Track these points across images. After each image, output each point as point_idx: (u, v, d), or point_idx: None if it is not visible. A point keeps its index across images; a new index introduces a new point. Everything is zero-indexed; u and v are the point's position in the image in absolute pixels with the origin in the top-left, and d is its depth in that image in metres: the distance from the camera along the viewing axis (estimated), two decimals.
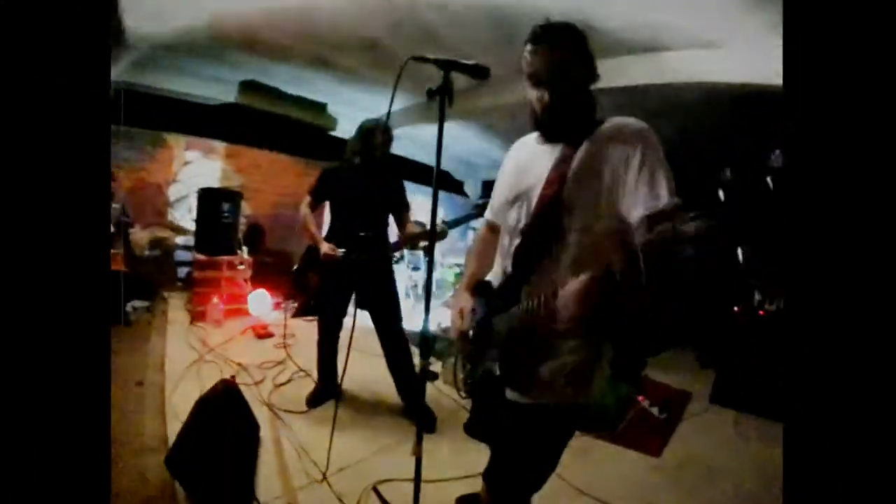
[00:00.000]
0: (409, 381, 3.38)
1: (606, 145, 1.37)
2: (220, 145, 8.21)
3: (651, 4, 3.70)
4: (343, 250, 3.24)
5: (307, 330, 4.51)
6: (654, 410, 4.06)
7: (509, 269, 1.53)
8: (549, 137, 1.53)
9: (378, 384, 3.77)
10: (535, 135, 1.60)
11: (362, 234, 3.22)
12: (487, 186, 11.52)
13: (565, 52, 1.44)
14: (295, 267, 3.68)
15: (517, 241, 1.51)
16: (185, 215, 7.79)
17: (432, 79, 1.62)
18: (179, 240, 7.61)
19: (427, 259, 1.68)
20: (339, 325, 3.48)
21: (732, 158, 6.67)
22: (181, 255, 7.49)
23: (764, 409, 4.19)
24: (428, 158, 9.33)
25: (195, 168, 8.00)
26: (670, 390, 4.71)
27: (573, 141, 1.44)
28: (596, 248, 1.34)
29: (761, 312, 4.60)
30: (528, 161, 1.57)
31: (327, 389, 3.53)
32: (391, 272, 3.55)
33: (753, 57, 3.93)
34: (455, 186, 11.87)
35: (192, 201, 7.37)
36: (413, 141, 8.18)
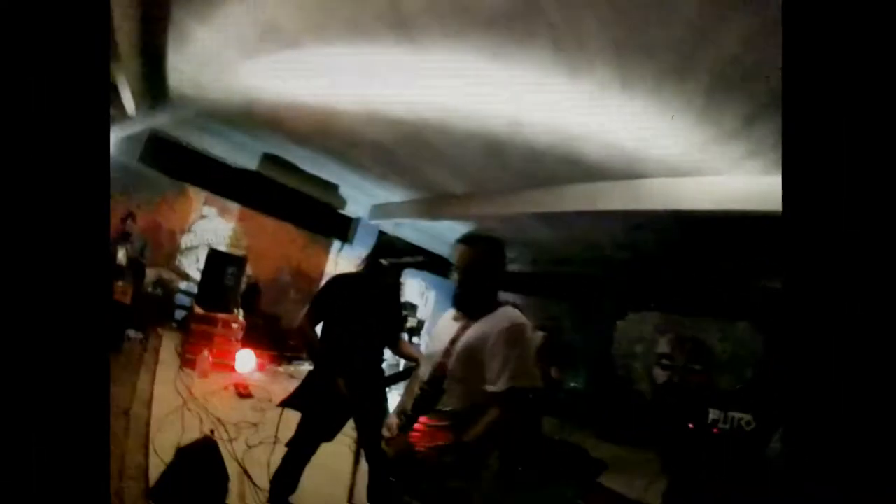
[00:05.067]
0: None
1: (487, 332, 1.80)
2: (234, 207, 8.89)
3: (628, 137, 4.10)
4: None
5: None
6: None
7: (410, 410, 1.94)
8: (457, 309, 2.05)
9: None
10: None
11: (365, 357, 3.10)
12: None
13: (478, 255, 1.98)
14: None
15: (418, 391, 1.95)
16: (193, 264, 8.39)
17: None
18: (182, 285, 8.25)
19: None
20: (315, 450, 3.13)
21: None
22: (181, 299, 8.11)
23: None
24: (430, 245, 10.12)
25: (209, 223, 8.67)
26: (619, 500, 4.93)
27: (470, 320, 1.91)
28: (464, 405, 1.79)
29: (715, 431, 4.86)
30: (441, 329, 2.05)
31: None
32: (386, 397, 3.26)
33: (723, 186, 4.34)
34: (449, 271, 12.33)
35: (201, 253, 8.05)
36: (418, 230, 9.12)
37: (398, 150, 5.69)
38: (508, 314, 1.86)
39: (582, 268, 9.65)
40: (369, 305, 3.05)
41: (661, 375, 8.48)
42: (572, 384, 6.67)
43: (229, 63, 4.58)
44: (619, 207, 5.05)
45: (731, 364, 7.58)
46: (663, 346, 8.58)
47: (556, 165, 4.98)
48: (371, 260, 3.14)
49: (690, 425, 4.98)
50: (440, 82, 3.89)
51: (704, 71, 2.97)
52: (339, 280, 3.27)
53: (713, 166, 4.25)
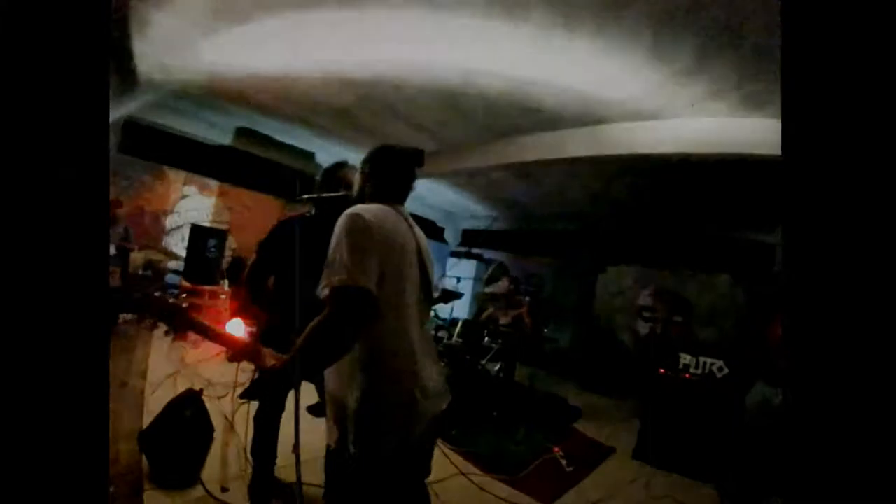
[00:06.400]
0: None
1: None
2: (214, 183, 9.02)
3: (580, 81, 4.11)
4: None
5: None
6: (564, 462, 4.39)
7: None
8: None
9: None
10: None
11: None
12: (466, 234, 12.31)
13: (359, 172, 1.96)
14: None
15: None
16: (178, 243, 8.54)
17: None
18: (171, 264, 8.42)
19: None
20: (283, 406, 2.89)
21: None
22: (171, 279, 8.27)
23: (683, 467, 4.49)
24: (417, 209, 10.20)
25: (190, 202, 8.80)
26: (592, 444, 5.08)
27: None
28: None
29: (686, 376, 4.90)
30: None
31: (265, 482, 3.04)
32: None
33: (686, 128, 4.36)
34: (437, 234, 12.56)
35: (186, 232, 8.20)
36: None
37: (359, 111, 5.81)
38: (342, 214, 1.68)
39: (561, 224, 9.79)
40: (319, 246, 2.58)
41: (643, 327, 8.65)
42: (546, 331, 6.82)
43: (190, 43, 4.68)
44: (581, 154, 5.13)
45: (712, 317, 7.71)
46: (644, 299, 8.72)
47: (514, 115, 5.09)
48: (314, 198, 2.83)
49: (661, 370, 5.04)
50: (387, 39, 3.98)
51: (644, 6, 2.97)
52: (282, 225, 3.08)
53: (673, 109, 4.28)
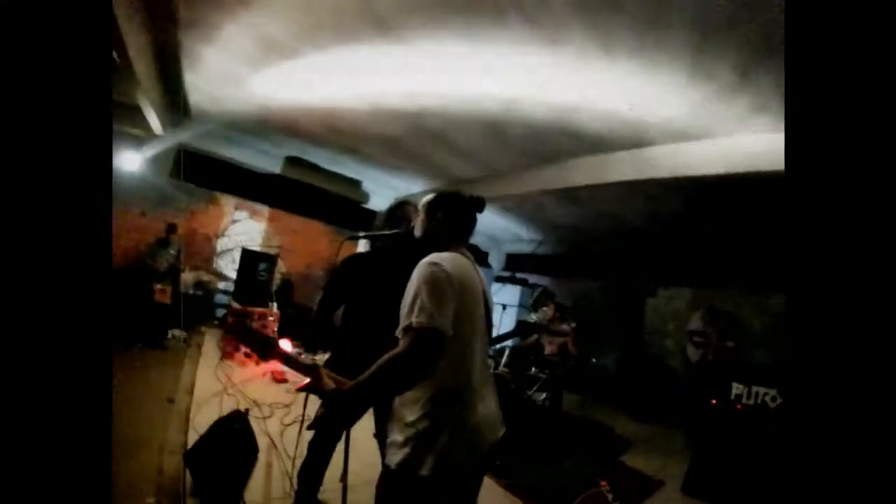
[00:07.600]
0: None
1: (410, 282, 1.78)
2: (264, 209, 9.39)
3: (623, 103, 4.03)
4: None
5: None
6: (610, 496, 4.14)
7: None
8: None
9: None
10: None
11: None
12: (511, 259, 12.23)
13: (423, 214, 2.06)
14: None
15: None
16: (229, 265, 8.87)
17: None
18: (221, 285, 8.74)
19: None
20: (339, 437, 2.83)
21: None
22: (220, 299, 8.62)
23: (734, 501, 4.24)
24: None
25: (241, 226, 9.17)
26: (640, 477, 4.83)
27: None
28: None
29: (738, 406, 4.68)
30: None
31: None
32: None
33: (733, 147, 4.18)
34: (481, 259, 12.44)
35: (236, 255, 8.49)
36: None
37: (404, 140, 5.91)
38: (421, 262, 1.81)
39: (609, 245, 9.61)
40: (387, 280, 2.60)
41: (694, 353, 8.23)
42: (594, 360, 6.66)
43: (240, 77, 4.92)
44: (628, 178, 5.02)
45: (766, 339, 7.35)
46: (696, 323, 8.32)
47: (558, 140, 5.06)
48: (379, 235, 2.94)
49: (713, 401, 4.82)
50: (432, 71, 4.06)
51: (684, 21, 2.89)
52: (351, 261, 3.12)
53: (719, 127, 4.13)
